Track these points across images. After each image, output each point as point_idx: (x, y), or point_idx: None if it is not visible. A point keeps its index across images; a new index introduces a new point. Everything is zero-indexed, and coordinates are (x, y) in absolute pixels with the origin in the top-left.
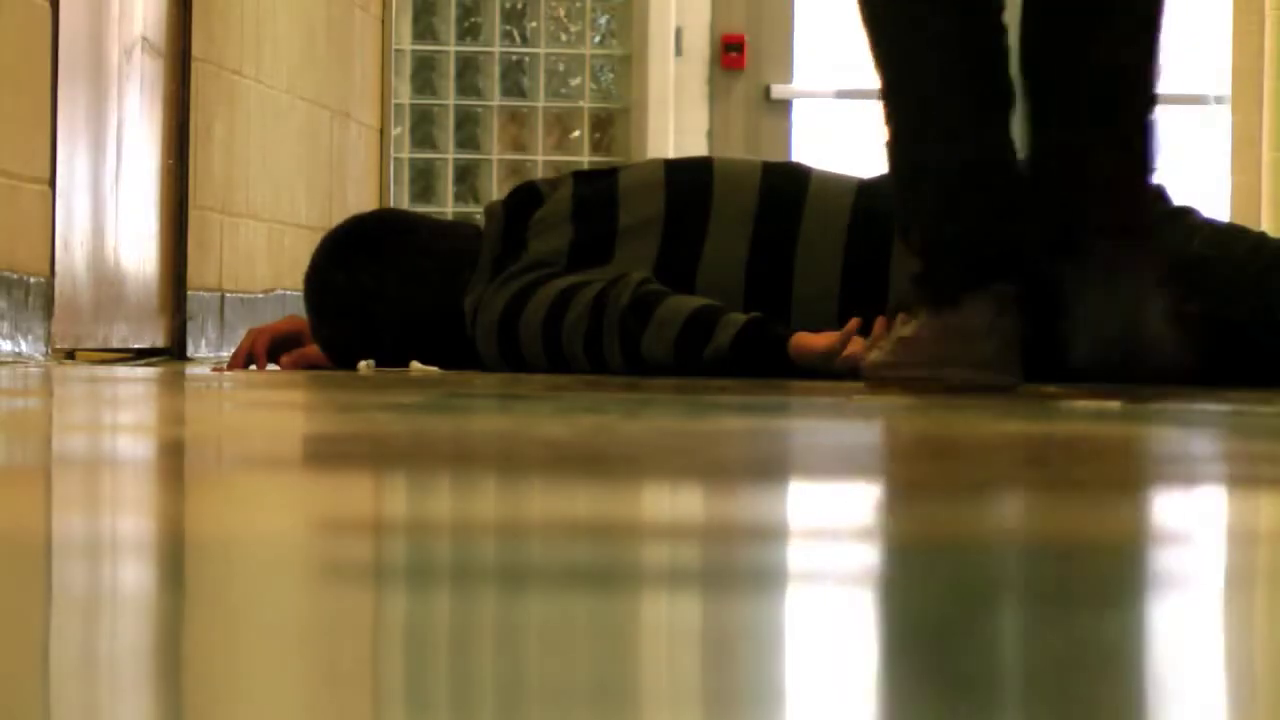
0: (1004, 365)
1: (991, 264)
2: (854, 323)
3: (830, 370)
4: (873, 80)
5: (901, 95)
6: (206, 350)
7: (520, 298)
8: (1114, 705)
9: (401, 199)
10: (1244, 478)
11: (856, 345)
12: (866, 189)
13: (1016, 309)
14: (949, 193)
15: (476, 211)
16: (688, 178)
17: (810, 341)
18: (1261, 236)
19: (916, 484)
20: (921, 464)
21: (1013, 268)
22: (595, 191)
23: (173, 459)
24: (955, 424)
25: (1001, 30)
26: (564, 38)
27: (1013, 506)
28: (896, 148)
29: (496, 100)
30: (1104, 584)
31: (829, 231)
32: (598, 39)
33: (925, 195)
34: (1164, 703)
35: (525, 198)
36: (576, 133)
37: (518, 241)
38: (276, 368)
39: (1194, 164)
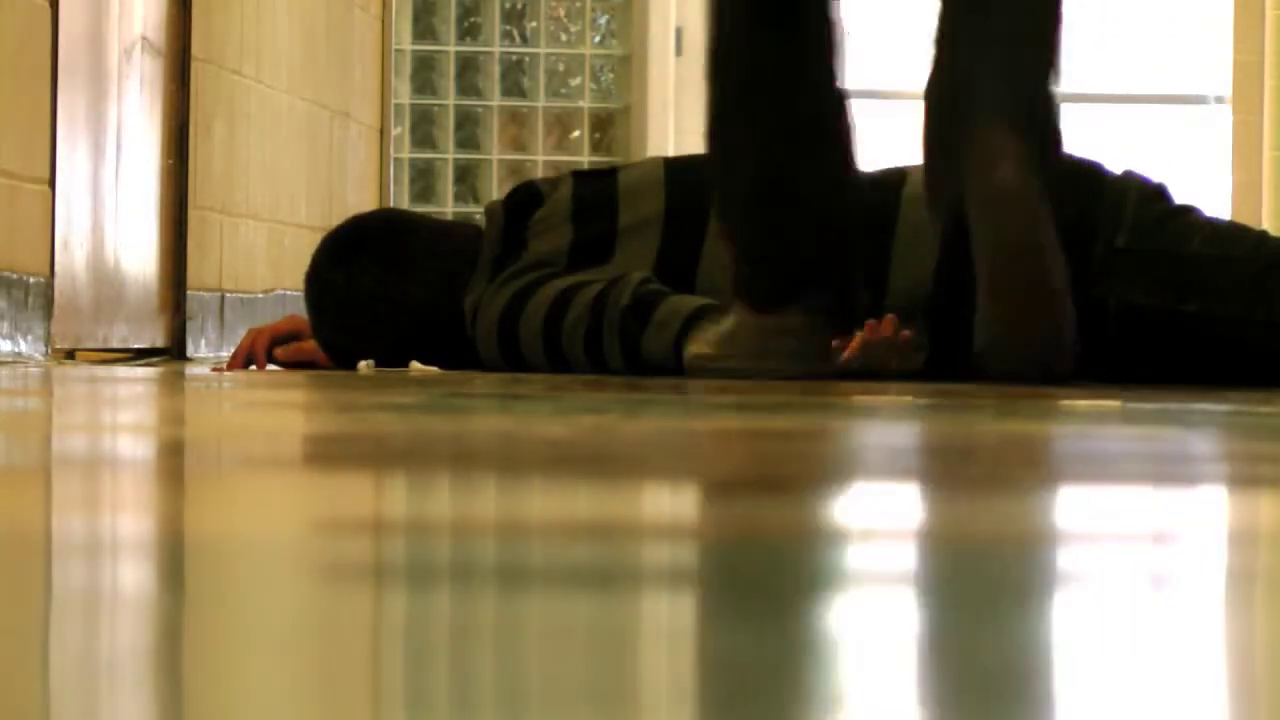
0: (815, 358)
1: (806, 279)
2: None
3: (826, 370)
4: (868, 80)
5: (727, 128)
6: (206, 350)
7: (520, 298)
8: (1106, 701)
9: (401, 199)
10: (1243, 478)
11: (853, 345)
12: (869, 178)
13: (826, 316)
14: (768, 212)
15: (476, 211)
16: (688, 176)
17: None
18: (1262, 235)
19: (921, 484)
20: (923, 463)
21: (825, 282)
22: (595, 191)
23: (173, 459)
24: (952, 425)
25: (827, 68)
26: (564, 38)
27: (1016, 504)
28: (719, 166)
29: (496, 100)
30: (1108, 581)
31: None
32: (598, 39)
33: (746, 210)
34: (1152, 701)
35: (525, 198)
36: (576, 133)
37: (518, 241)
38: (276, 367)
39: (1194, 164)
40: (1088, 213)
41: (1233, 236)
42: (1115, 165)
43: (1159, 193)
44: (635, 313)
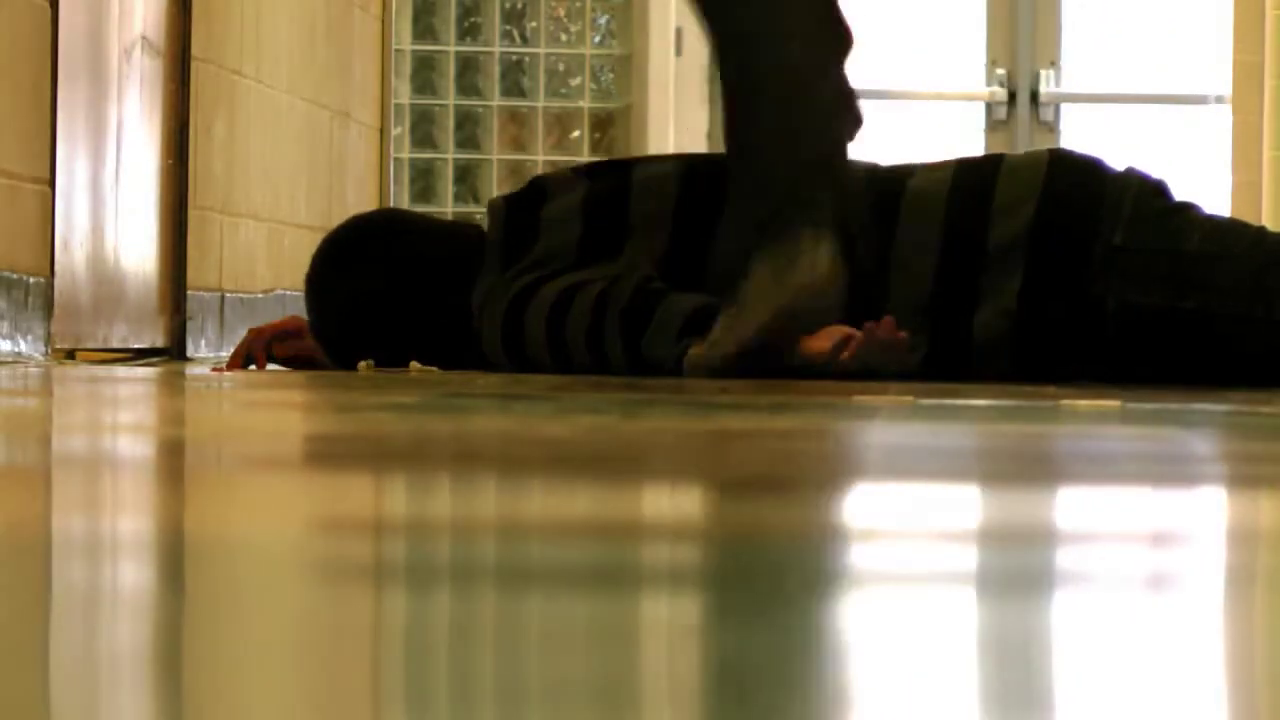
0: (830, 307)
1: (809, 193)
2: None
3: (819, 368)
4: (870, 78)
5: (746, 50)
6: (206, 350)
7: (525, 294)
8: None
9: (401, 199)
10: (1243, 478)
11: (851, 347)
12: (875, 175)
13: (832, 244)
14: (786, 142)
15: (477, 211)
16: (701, 173)
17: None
18: (1261, 232)
19: (920, 484)
20: (922, 463)
21: (827, 200)
22: (608, 186)
23: (173, 459)
24: (953, 425)
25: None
26: (564, 38)
27: (1016, 504)
28: (740, 103)
29: (496, 100)
30: (1108, 581)
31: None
32: (598, 39)
33: (762, 144)
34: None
35: (531, 192)
36: (576, 133)
37: (530, 234)
38: (276, 366)
39: (1194, 164)
40: (1088, 211)
41: (1232, 233)
42: (1116, 163)
43: (1158, 189)
44: (635, 314)
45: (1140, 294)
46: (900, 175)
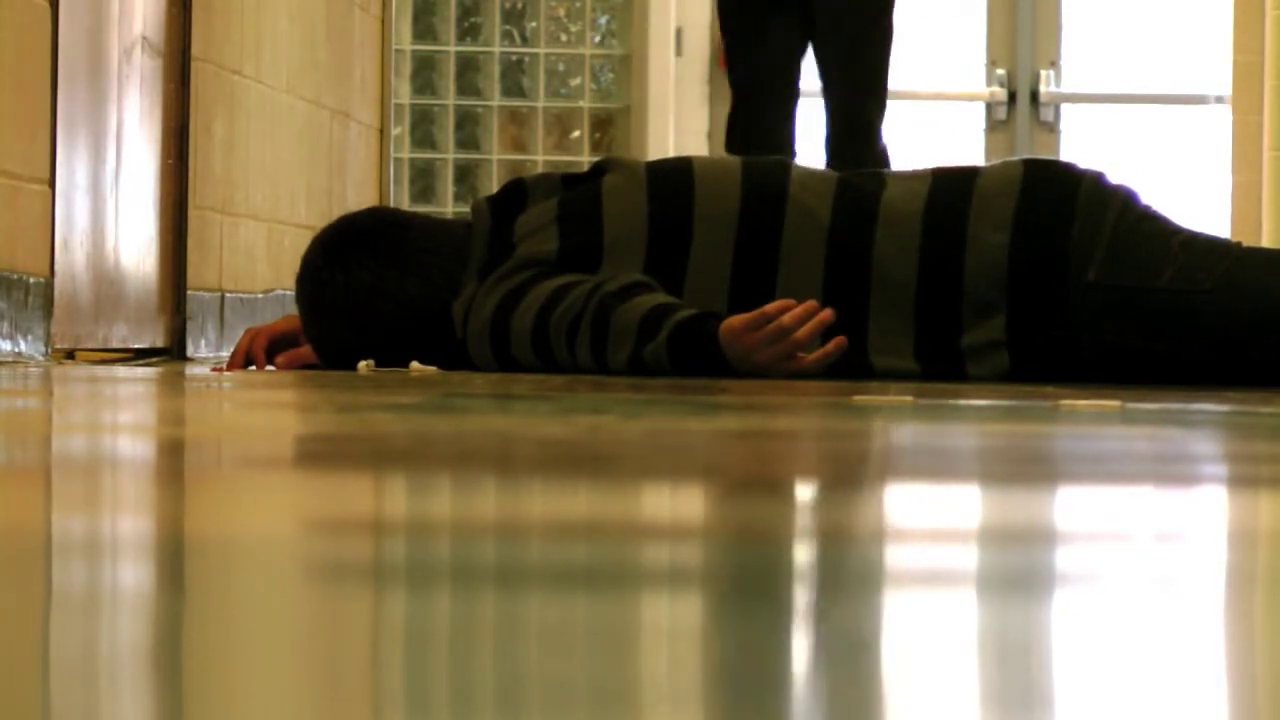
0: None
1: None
2: (778, 304)
3: (759, 365)
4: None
5: None
6: (206, 350)
7: (512, 297)
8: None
9: (401, 199)
10: (1243, 478)
11: (815, 355)
12: (846, 185)
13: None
14: None
15: None
16: (669, 185)
17: (736, 320)
18: (1237, 261)
19: (921, 484)
20: (923, 463)
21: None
22: (578, 198)
23: (173, 459)
24: (952, 425)
25: None
26: (564, 38)
27: (1017, 504)
28: None
29: (496, 100)
30: (1109, 581)
31: (811, 231)
32: (598, 39)
33: None
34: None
35: (513, 195)
36: (576, 133)
37: (505, 245)
38: (274, 368)
39: (1194, 164)
40: (1059, 248)
41: (1207, 259)
42: (1087, 171)
43: (1128, 203)
44: (596, 325)
45: (1115, 334)
46: (871, 185)
